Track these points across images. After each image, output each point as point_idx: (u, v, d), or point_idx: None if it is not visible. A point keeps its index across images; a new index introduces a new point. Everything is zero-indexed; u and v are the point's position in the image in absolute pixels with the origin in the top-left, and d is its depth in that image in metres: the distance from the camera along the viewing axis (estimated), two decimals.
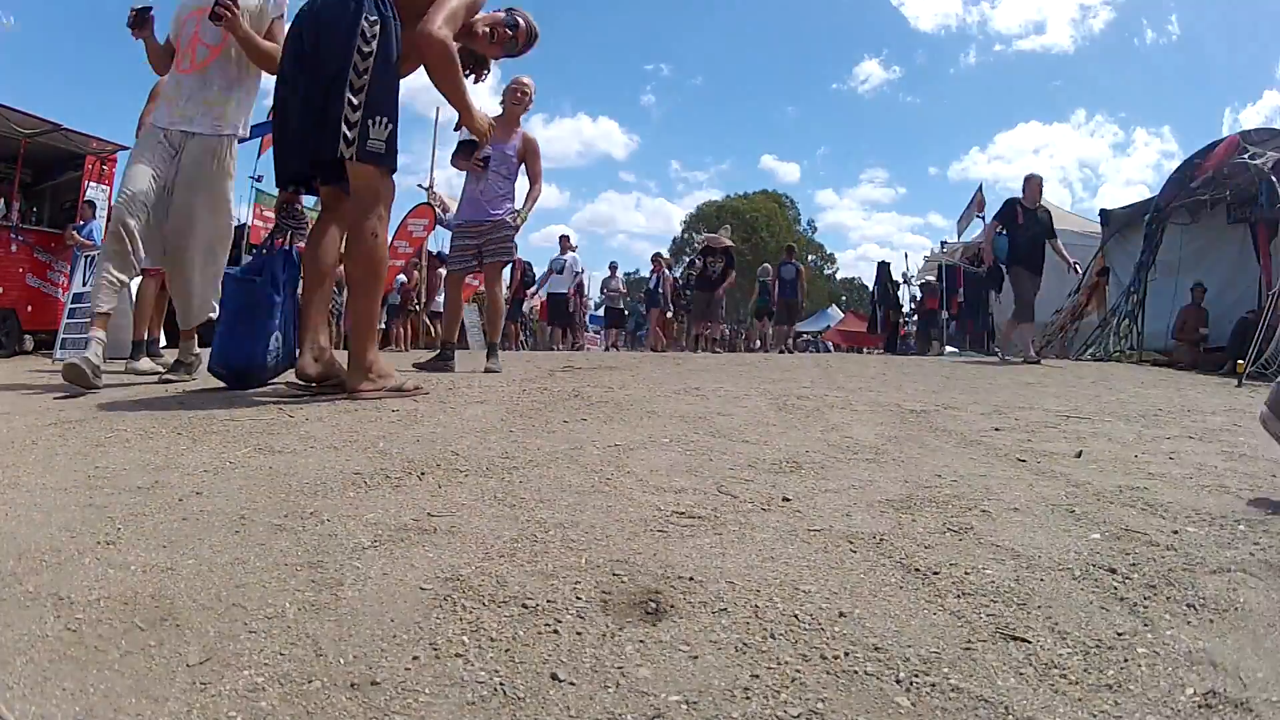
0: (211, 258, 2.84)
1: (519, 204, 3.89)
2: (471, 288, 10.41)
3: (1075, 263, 6.67)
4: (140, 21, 2.80)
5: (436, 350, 3.92)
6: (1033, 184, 6.38)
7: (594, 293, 14.01)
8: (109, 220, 2.89)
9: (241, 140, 2.90)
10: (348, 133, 2.07)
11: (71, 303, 4.87)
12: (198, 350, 3.00)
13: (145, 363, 3.45)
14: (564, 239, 10.94)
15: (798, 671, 0.76)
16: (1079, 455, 1.83)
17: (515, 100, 3.82)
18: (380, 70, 2.10)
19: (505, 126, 3.72)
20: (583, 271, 11.12)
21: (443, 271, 10.49)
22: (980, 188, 12.53)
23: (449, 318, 4.06)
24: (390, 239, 10.72)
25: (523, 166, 3.87)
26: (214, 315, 2.83)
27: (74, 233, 5.89)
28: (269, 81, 2.72)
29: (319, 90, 2.11)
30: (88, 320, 2.63)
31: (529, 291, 11.67)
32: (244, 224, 8.76)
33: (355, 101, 2.07)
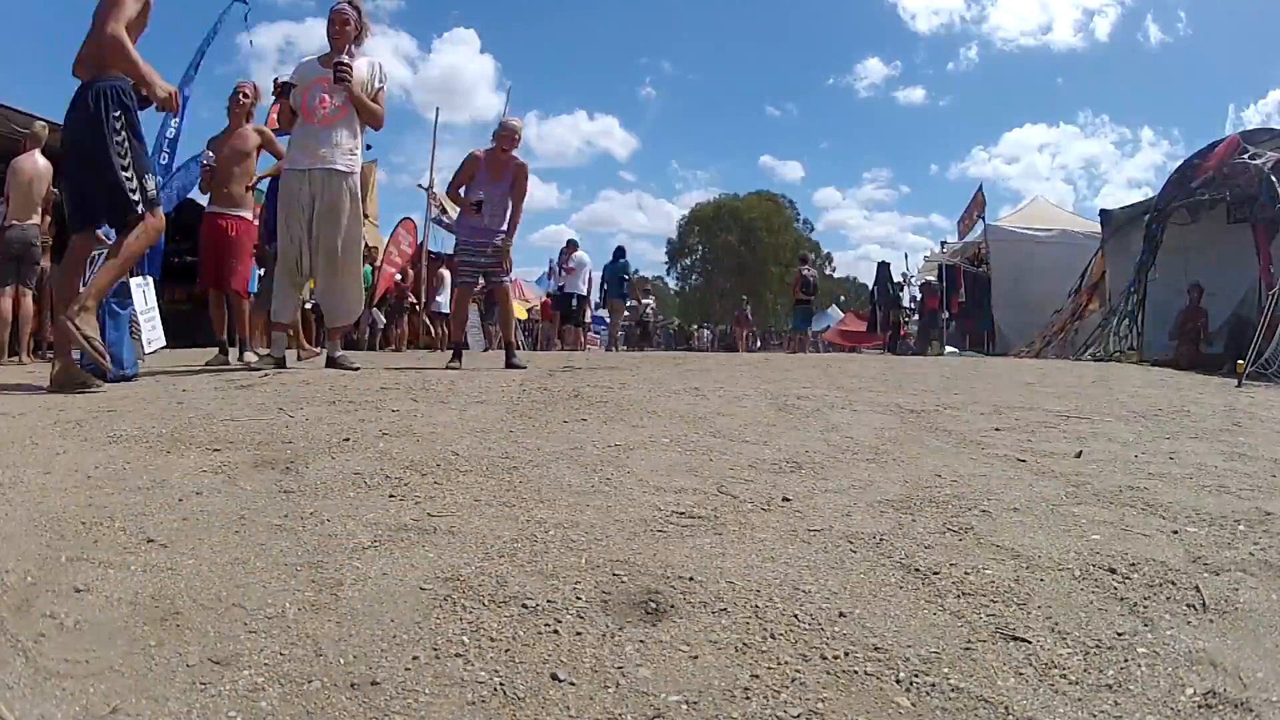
0: (355, 265, 3.64)
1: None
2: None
3: None
4: (285, 91, 3.57)
5: (432, 349, 4.14)
6: None
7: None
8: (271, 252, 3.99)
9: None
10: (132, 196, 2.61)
11: None
12: (341, 350, 3.69)
13: (250, 355, 4.06)
14: (571, 243, 10.88)
15: (798, 671, 0.76)
16: (1079, 455, 1.83)
17: (505, 145, 4.14)
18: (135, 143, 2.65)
19: (497, 167, 4.11)
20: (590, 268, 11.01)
21: (444, 273, 10.65)
22: (980, 188, 12.51)
23: (457, 324, 4.64)
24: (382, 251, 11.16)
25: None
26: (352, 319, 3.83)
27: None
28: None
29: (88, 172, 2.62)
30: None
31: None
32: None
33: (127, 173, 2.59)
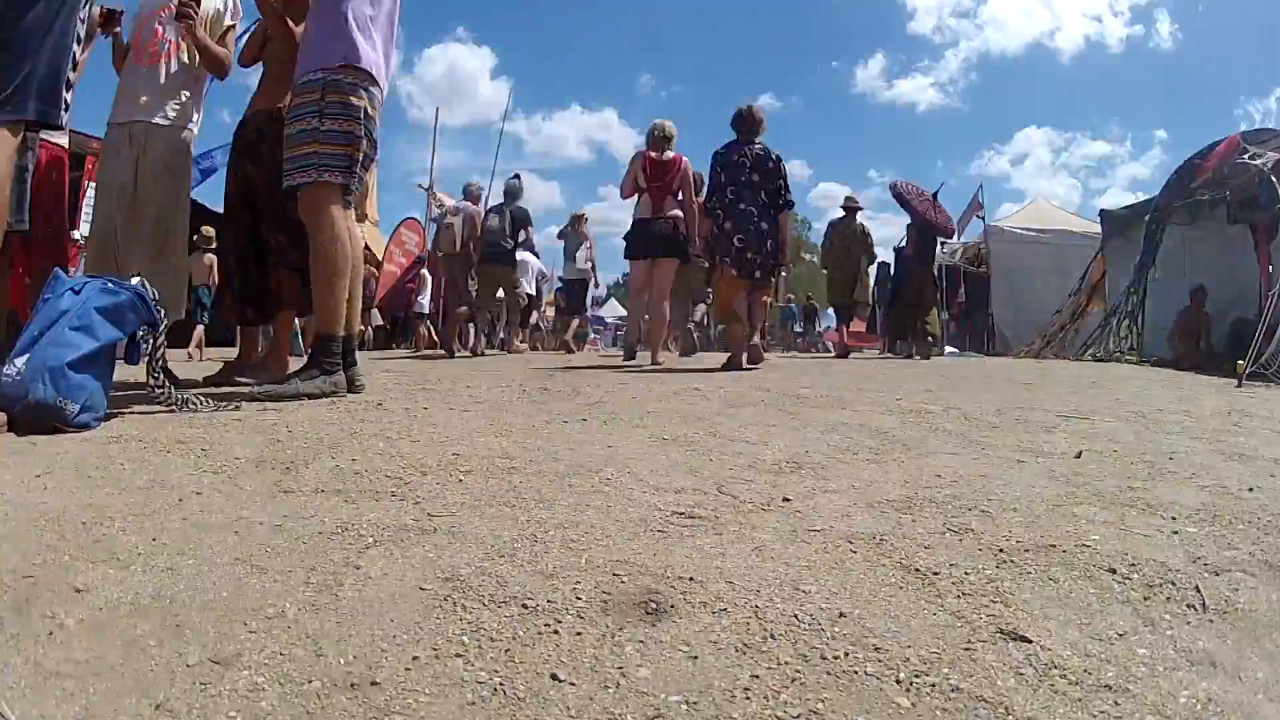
0: (179, 247, 2.81)
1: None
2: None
3: None
4: (112, 20, 2.82)
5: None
6: None
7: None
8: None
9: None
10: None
11: None
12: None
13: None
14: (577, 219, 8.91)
15: (798, 671, 0.76)
16: (1079, 455, 1.83)
17: None
18: None
19: None
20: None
21: (425, 274, 10.42)
22: (980, 188, 12.51)
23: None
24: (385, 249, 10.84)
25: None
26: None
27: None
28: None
29: None
30: None
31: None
32: None
33: None
